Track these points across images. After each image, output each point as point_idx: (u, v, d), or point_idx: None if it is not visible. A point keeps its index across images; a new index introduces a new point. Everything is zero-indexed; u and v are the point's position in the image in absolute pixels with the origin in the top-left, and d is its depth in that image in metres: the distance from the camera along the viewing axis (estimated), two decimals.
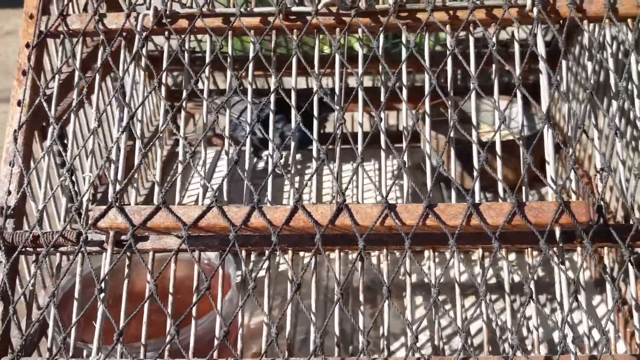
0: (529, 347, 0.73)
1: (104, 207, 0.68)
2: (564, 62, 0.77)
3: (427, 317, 0.84)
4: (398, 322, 0.98)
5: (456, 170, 0.76)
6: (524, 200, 0.70)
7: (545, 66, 0.77)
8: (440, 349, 0.76)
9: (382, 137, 0.75)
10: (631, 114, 0.89)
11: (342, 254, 0.75)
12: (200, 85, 0.79)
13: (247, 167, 0.76)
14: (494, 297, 1.03)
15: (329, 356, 0.66)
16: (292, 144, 0.79)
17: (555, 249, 0.68)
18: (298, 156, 1.40)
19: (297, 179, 1.36)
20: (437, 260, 0.78)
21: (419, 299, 1.03)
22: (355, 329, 0.99)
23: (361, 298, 0.74)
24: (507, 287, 0.73)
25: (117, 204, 0.68)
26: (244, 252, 0.70)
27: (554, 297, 0.79)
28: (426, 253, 0.99)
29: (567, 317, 0.63)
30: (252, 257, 0.76)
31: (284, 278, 1.10)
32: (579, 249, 0.74)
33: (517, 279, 1.06)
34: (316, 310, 0.72)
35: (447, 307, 1.03)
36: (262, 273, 0.75)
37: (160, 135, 0.76)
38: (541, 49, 0.78)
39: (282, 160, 0.71)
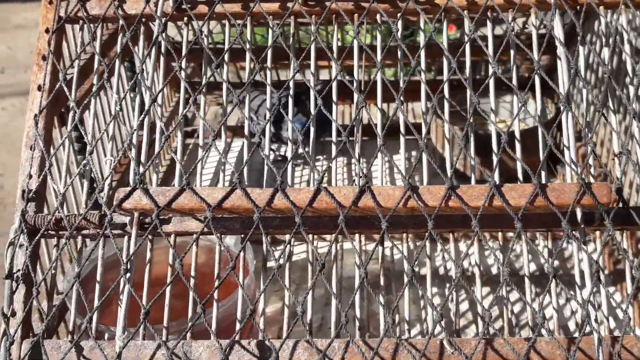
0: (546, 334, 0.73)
1: (129, 188, 0.69)
2: (581, 48, 0.78)
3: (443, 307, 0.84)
4: (413, 309, 0.99)
5: (473, 161, 0.76)
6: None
7: (564, 50, 0.77)
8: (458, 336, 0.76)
9: (402, 118, 0.76)
10: None
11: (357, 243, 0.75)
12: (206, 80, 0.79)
13: (267, 151, 0.76)
14: (507, 287, 1.03)
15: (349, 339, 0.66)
16: (312, 130, 0.79)
17: (570, 231, 0.68)
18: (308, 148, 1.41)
19: (307, 171, 1.36)
20: (451, 249, 0.78)
21: (433, 289, 1.04)
22: (370, 316, 0.99)
23: (381, 282, 0.74)
24: (526, 270, 0.73)
25: (141, 185, 0.68)
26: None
27: (568, 286, 0.79)
28: (439, 247, 1.00)
29: (589, 297, 0.64)
30: (269, 246, 0.76)
31: (297, 267, 1.11)
32: (597, 233, 0.74)
33: (531, 268, 1.07)
34: (332, 298, 0.72)
35: (461, 297, 1.04)
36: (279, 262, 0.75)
37: (182, 120, 0.77)
38: (559, 34, 0.79)
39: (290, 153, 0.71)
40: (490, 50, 0.78)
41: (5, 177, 1.96)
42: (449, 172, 0.73)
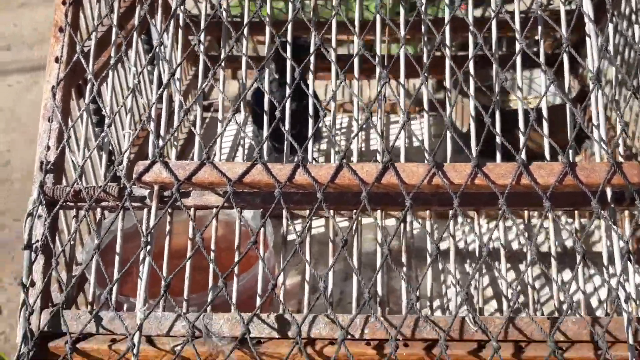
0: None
1: (148, 161, 0.68)
2: (610, 25, 0.75)
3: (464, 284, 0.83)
4: (434, 286, 0.98)
5: (500, 138, 0.74)
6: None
7: (593, 26, 0.75)
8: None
9: (425, 94, 0.74)
10: None
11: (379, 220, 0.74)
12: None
13: (287, 125, 0.75)
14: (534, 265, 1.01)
15: (370, 315, 0.65)
16: (333, 104, 0.78)
17: (599, 210, 0.67)
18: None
19: (324, 146, 1.35)
20: (475, 227, 0.77)
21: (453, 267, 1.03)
22: (390, 292, 0.98)
23: (404, 259, 0.73)
24: (552, 250, 0.72)
25: (160, 158, 0.67)
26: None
27: (591, 266, 0.77)
28: (459, 223, 0.98)
29: (619, 278, 0.62)
30: (289, 221, 0.75)
31: (315, 241, 1.10)
32: (626, 213, 0.72)
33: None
34: (353, 274, 0.71)
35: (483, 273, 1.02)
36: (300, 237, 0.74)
37: (200, 93, 0.76)
38: (588, 10, 0.76)
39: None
40: (517, 26, 0.76)
41: (12, 153, 1.95)
42: (474, 149, 0.71)
